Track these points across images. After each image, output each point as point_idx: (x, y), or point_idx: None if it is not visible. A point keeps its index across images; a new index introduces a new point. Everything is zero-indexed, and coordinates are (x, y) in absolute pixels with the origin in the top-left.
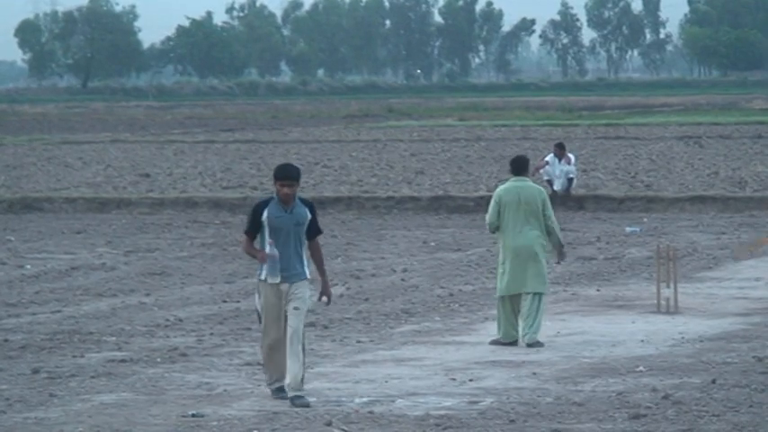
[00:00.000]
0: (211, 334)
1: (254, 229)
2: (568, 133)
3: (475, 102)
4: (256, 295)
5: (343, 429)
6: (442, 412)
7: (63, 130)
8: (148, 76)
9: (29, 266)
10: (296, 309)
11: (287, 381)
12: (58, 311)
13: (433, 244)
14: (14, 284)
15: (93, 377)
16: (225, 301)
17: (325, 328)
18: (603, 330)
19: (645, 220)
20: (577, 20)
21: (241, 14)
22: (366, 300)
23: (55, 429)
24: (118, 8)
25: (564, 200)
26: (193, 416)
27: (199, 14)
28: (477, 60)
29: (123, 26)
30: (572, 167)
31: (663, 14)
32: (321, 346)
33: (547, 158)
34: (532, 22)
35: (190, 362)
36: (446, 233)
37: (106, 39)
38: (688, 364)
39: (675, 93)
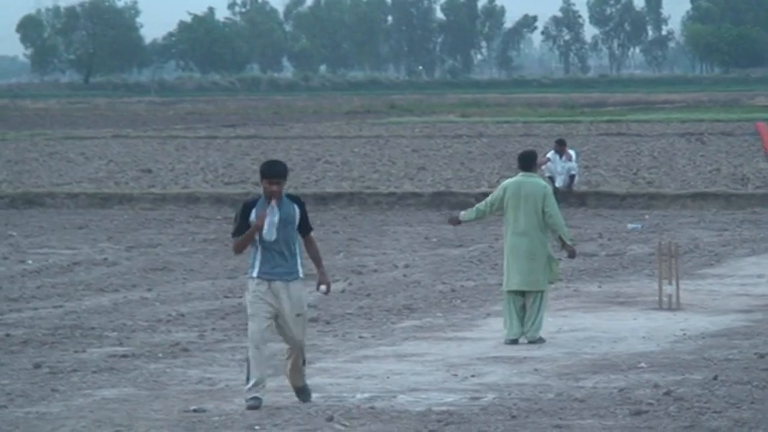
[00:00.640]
0: (213, 329)
1: (241, 231)
2: (570, 130)
3: (477, 98)
4: (247, 295)
5: (344, 425)
6: (444, 408)
7: (65, 125)
8: (150, 71)
9: (30, 261)
10: (298, 316)
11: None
12: (60, 306)
13: (434, 240)
14: (16, 279)
15: (94, 372)
16: (227, 297)
17: (327, 323)
18: (605, 327)
19: (646, 216)
20: (579, 16)
21: (243, 10)
22: (368, 295)
23: (57, 424)
24: (120, 4)
25: (566, 196)
26: (195, 411)
27: (201, 10)
28: (479, 57)
29: (125, 22)
30: (574, 164)
31: (665, 11)
32: (323, 342)
33: (548, 155)
34: (534, 18)
35: (191, 357)
36: (448, 229)
37: (108, 34)
38: (690, 360)
39: (677, 90)
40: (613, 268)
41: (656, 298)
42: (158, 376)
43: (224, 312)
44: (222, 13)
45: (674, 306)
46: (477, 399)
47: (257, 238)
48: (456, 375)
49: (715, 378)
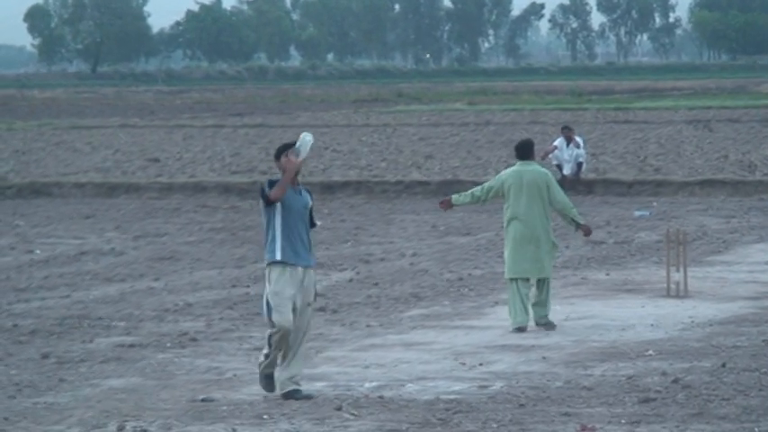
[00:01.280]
0: (221, 319)
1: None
2: (577, 117)
3: (484, 86)
4: (267, 283)
5: (353, 414)
6: (452, 396)
7: (72, 115)
8: (158, 60)
9: (38, 251)
10: (309, 305)
11: (288, 375)
12: (67, 296)
13: (442, 228)
14: (23, 269)
15: (102, 362)
16: (234, 286)
17: (335, 312)
18: (613, 314)
19: (654, 203)
20: (587, 4)
21: None
22: (375, 284)
23: (64, 414)
24: None
25: (573, 184)
26: (203, 400)
27: None
28: (486, 45)
29: (132, 11)
30: (581, 151)
31: None
32: (330, 331)
33: (556, 143)
34: (542, 6)
35: (199, 346)
36: (455, 217)
37: (115, 24)
38: (698, 347)
39: (685, 77)
40: (621, 256)
41: (664, 285)
42: (166, 366)
43: (231, 302)
44: (229, 2)
45: (681, 293)
46: (485, 387)
47: (280, 220)
48: (464, 364)
49: (723, 365)
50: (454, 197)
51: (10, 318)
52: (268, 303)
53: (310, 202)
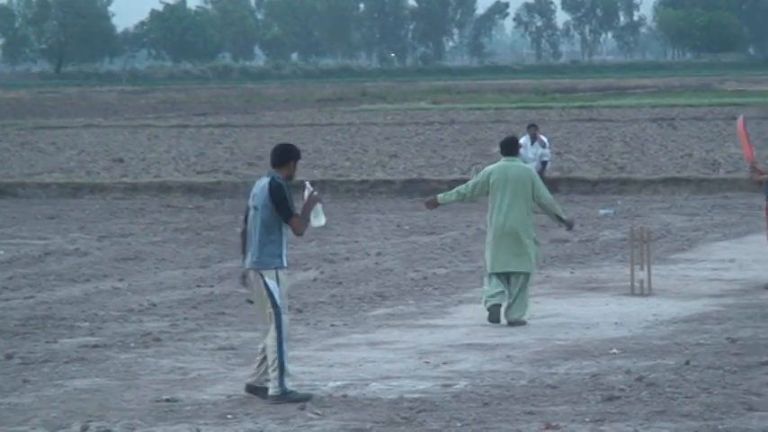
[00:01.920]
0: (185, 319)
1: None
2: (542, 116)
3: (449, 85)
4: (279, 287)
5: (317, 413)
6: (416, 395)
7: (36, 115)
8: (122, 60)
9: (2, 252)
10: None
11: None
12: (31, 297)
13: (406, 227)
14: None
15: (66, 362)
16: (199, 286)
17: (299, 311)
18: (577, 313)
19: (618, 202)
20: (551, 2)
21: None
22: (340, 283)
23: (28, 414)
24: None
25: None
26: (167, 400)
27: None
28: (450, 44)
29: (97, 11)
30: (546, 150)
31: None
32: (295, 330)
33: (521, 141)
34: (506, 5)
35: (163, 347)
36: (420, 216)
37: (79, 23)
38: (662, 345)
39: (649, 75)
40: (585, 254)
41: (628, 283)
42: (130, 366)
43: (196, 302)
44: (194, 2)
45: (645, 291)
46: (449, 386)
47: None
48: (428, 363)
49: (687, 363)
50: (440, 196)
51: None
52: (279, 307)
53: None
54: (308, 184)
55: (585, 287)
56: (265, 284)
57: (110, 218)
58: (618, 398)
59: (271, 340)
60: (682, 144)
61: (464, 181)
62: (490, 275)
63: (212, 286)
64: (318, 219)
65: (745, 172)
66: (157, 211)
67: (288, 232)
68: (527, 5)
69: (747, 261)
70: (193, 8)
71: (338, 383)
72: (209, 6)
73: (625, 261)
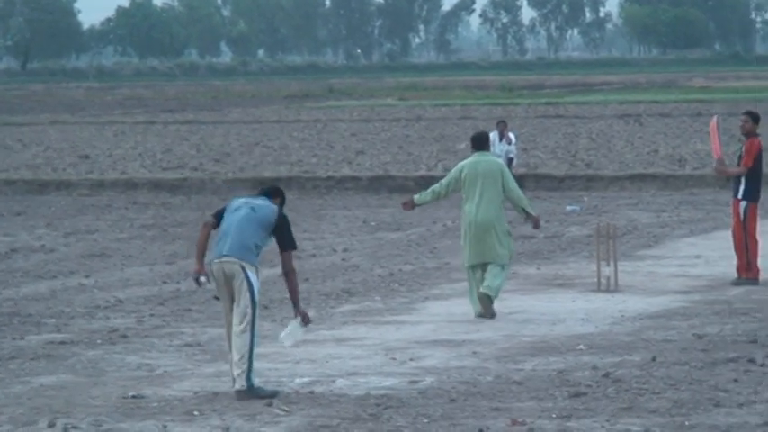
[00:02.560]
0: (151, 315)
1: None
2: (509, 112)
3: (415, 81)
4: (257, 283)
5: (283, 409)
6: (383, 392)
7: (2, 112)
8: (88, 57)
9: None
10: None
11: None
12: None
13: (373, 224)
14: None
15: (32, 359)
16: (165, 282)
17: (265, 308)
18: (543, 309)
19: (585, 198)
20: None
21: None
22: (306, 280)
23: None
24: None
25: None
26: (134, 397)
27: None
28: (417, 40)
29: (63, 7)
30: (512, 147)
31: None
32: (261, 327)
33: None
34: (472, 1)
35: (130, 343)
36: (386, 213)
37: (45, 20)
38: (628, 341)
39: (615, 71)
40: (551, 250)
41: (595, 280)
42: (97, 363)
43: (162, 298)
44: None
45: (612, 288)
46: (415, 382)
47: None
48: (395, 359)
49: (653, 359)
50: (416, 197)
51: None
52: (256, 300)
53: None
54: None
55: (552, 283)
56: (246, 277)
57: (76, 214)
58: (584, 394)
59: (243, 336)
60: (648, 140)
61: (431, 178)
62: (469, 269)
63: (179, 283)
64: (289, 336)
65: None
66: (124, 207)
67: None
68: (493, 2)
69: (714, 257)
70: (159, 4)
71: (305, 380)
72: (175, 3)
73: (591, 257)
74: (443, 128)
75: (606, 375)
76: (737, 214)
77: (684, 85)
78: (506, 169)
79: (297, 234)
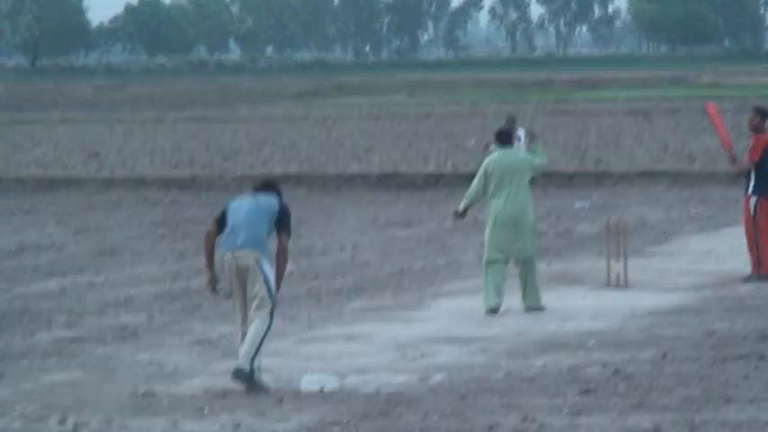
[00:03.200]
0: (162, 312)
1: None
2: (518, 109)
3: (424, 78)
4: (271, 270)
5: (294, 406)
6: (393, 389)
7: (12, 109)
8: (97, 54)
9: None
10: None
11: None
12: (8, 291)
13: (382, 221)
14: None
15: (43, 356)
16: (175, 280)
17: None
18: (554, 305)
19: (594, 195)
20: None
21: None
22: (316, 277)
23: (6, 408)
24: None
25: None
26: (144, 394)
27: None
28: (426, 37)
29: (72, 5)
30: (520, 144)
31: None
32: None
33: None
34: None
35: (140, 340)
36: (396, 210)
37: (55, 18)
38: (638, 338)
39: (624, 68)
40: (561, 247)
41: (605, 276)
42: (107, 360)
43: (172, 295)
44: None
45: (622, 284)
46: (426, 379)
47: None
48: (405, 356)
49: (664, 356)
50: (461, 205)
51: None
52: (273, 291)
53: None
54: None
55: (562, 280)
56: (262, 270)
57: (86, 212)
58: (595, 391)
59: (260, 325)
60: (658, 137)
61: (440, 175)
62: (488, 264)
63: (189, 280)
64: (314, 382)
65: (721, 163)
66: (133, 205)
67: None
68: None
69: (724, 253)
70: (168, 2)
71: (315, 377)
72: (184, 0)
73: (601, 254)
74: (453, 125)
75: (616, 372)
76: (748, 210)
77: (694, 82)
78: (533, 160)
79: (306, 231)
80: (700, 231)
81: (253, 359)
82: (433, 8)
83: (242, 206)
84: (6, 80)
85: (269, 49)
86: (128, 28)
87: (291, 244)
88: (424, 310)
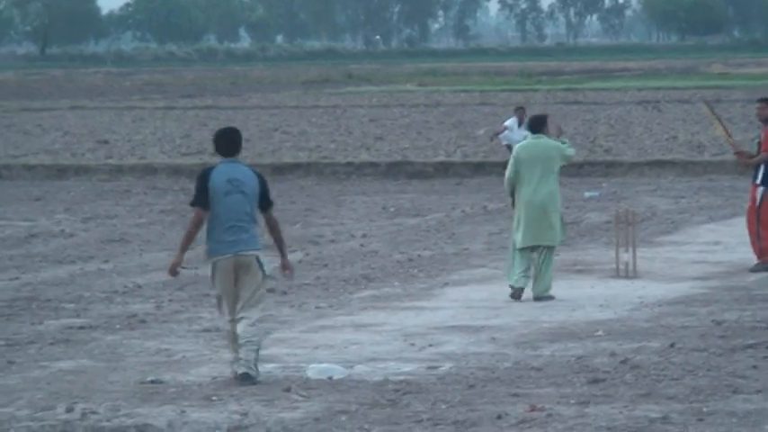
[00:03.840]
0: (170, 300)
1: None
2: (528, 98)
3: (434, 67)
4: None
5: (302, 395)
6: (401, 377)
7: (21, 97)
8: (107, 42)
9: None
10: None
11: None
12: (17, 278)
13: (392, 209)
14: None
15: (51, 344)
16: (184, 268)
17: (284, 293)
18: (563, 295)
19: (604, 184)
20: None
21: None
22: (325, 265)
23: (13, 396)
24: None
25: None
26: (152, 382)
27: None
28: (436, 26)
29: None
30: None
31: None
32: (280, 312)
33: (506, 123)
34: None
35: (148, 328)
36: (405, 199)
37: (64, 5)
38: (647, 328)
39: (634, 57)
40: (570, 236)
41: (614, 266)
42: (115, 348)
43: (181, 284)
44: None
45: (631, 274)
46: (434, 368)
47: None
48: (413, 345)
49: (672, 345)
50: (510, 200)
51: None
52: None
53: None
54: None
55: (571, 269)
56: (261, 265)
57: (95, 199)
58: (603, 380)
59: (255, 327)
60: (667, 127)
61: (450, 163)
62: (516, 251)
63: (197, 268)
64: (322, 371)
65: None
66: (143, 192)
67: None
68: None
69: (733, 243)
70: None
71: (323, 365)
72: None
73: (610, 243)
74: (462, 114)
75: (625, 362)
76: (753, 199)
77: (704, 72)
78: (562, 148)
79: (315, 220)
80: (709, 221)
81: (257, 361)
82: None
83: (230, 198)
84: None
85: (279, 38)
86: (138, 16)
87: (301, 233)
88: (433, 298)
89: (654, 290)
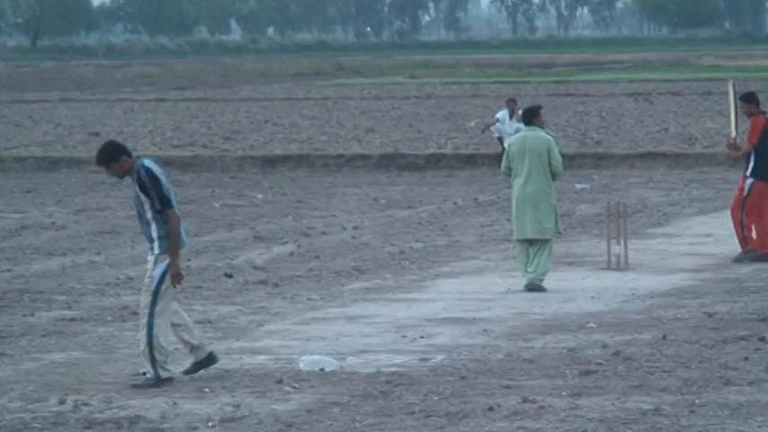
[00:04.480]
0: None
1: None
2: (519, 90)
3: (425, 59)
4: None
5: (293, 387)
6: (393, 369)
7: (12, 89)
8: (98, 34)
9: None
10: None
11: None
12: (8, 270)
13: (383, 201)
14: None
15: (43, 336)
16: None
17: (276, 285)
18: (554, 287)
19: (595, 176)
20: None
21: None
22: (317, 257)
23: (5, 388)
24: None
25: None
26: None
27: None
28: (427, 18)
29: None
30: (522, 125)
31: None
32: (272, 304)
33: (498, 115)
34: None
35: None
36: (396, 191)
37: None
38: (638, 320)
39: (625, 50)
40: (562, 228)
41: (605, 258)
42: (107, 340)
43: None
44: None
45: (622, 266)
46: (426, 360)
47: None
48: (405, 337)
49: (664, 337)
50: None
51: None
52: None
53: (137, 191)
54: None
55: (562, 261)
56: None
57: (86, 192)
58: (595, 372)
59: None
60: (658, 119)
61: (441, 155)
62: (518, 243)
63: (189, 260)
64: (314, 363)
65: (721, 146)
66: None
67: None
68: None
69: (724, 236)
70: None
71: (315, 357)
72: None
73: (602, 235)
74: (453, 106)
75: (616, 353)
76: (742, 190)
77: (695, 64)
78: (554, 144)
79: (307, 212)
80: (700, 213)
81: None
82: None
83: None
84: (7, 60)
85: (270, 30)
86: (129, 8)
87: (292, 224)
88: (425, 290)
89: (645, 282)
